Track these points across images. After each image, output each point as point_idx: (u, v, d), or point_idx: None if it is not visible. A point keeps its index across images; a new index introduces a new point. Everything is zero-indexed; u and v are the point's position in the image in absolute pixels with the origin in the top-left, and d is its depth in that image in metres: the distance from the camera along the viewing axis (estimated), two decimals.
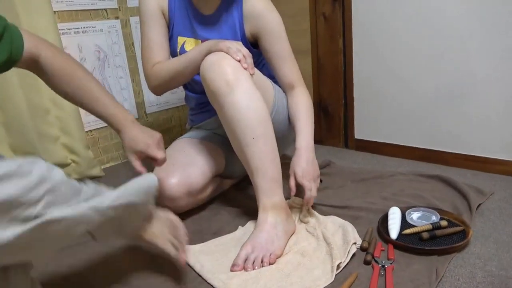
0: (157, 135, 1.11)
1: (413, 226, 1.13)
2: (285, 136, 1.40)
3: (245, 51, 1.12)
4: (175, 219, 0.95)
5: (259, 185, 1.11)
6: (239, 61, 1.09)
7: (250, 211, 1.30)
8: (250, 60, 1.13)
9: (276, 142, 1.13)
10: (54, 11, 1.62)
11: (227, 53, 1.10)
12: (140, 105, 2.01)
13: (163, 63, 1.30)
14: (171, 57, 1.40)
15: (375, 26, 1.67)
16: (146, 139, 1.06)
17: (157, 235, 0.92)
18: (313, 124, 1.28)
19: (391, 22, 1.62)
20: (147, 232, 0.92)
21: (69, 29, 1.72)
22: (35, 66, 0.97)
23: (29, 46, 0.94)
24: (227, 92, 1.07)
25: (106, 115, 1.03)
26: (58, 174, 0.70)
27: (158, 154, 1.06)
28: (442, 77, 1.55)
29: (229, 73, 1.07)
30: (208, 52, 1.13)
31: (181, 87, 1.58)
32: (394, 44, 1.63)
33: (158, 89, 1.33)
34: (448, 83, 1.54)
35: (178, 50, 1.35)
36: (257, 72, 1.22)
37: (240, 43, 1.15)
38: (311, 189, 1.18)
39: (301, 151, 1.21)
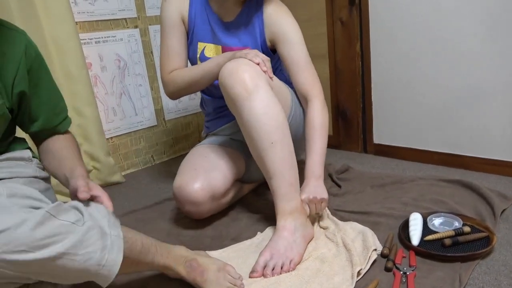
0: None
1: (435, 232, 1.11)
2: (301, 140, 1.40)
3: (263, 56, 1.14)
4: (230, 266, 0.98)
5: (277, 190, 1.11)
6: (258, 63, 1.11)
7: (268, 217, 1.30)
8: (268, 64, 1.14)
9: (293, 147, 1.13)
10: (76, 22, 1.66)
11: (245, 58, 1.12)
12: (159, 112, 2.04)
13: (179, 71, 1.33)
14: (190, 64, 1.43)
15: (393, 30, 1.65)
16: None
17: (213, 283, 0.94)
18: (326, 145, 1.24)
19: (409, 27, 1.60)
20: (204, 283, 0.94)
21: (90, 39, 1.76)
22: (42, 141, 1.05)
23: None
24: (246, 98, 1.08)
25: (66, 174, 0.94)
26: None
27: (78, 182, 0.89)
28: (462, 81, 1.52)
29: (248, 79, 1.08)
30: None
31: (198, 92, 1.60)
32: (412, 49, 1.62)
33: (173, 95, 1.39)
34: (468, 86, 1.51)
35: (198, 56, 1.37)
36: (275, 77, 1.23)
37: (257, 50, 1.16)
38: (313, 209, 1.16)
39: (310, 181, 1.18)
